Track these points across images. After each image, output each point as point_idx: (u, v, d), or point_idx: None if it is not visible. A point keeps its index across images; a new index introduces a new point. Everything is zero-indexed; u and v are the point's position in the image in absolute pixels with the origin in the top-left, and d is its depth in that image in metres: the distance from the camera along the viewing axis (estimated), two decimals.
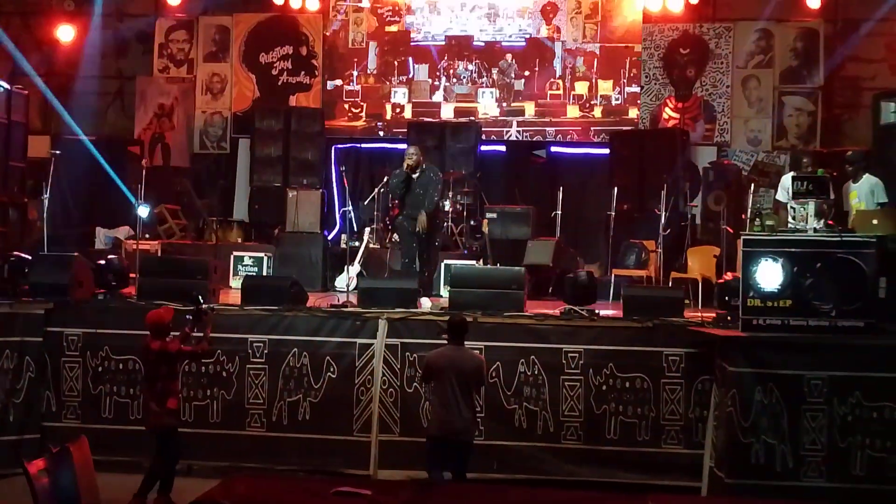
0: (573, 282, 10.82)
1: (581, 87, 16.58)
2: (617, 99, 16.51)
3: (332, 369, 10.27)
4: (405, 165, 11.89)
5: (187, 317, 8.76)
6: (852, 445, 9.02)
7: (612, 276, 12.82)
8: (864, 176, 11.03)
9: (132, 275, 11.44)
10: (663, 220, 12.75)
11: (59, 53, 17.49)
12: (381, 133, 17.06)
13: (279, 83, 17.26)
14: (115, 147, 16.73)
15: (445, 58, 16.92)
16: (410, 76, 17.02)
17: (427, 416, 9.45)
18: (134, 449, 10.32)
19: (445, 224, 14.35)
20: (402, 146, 16.06)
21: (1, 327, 10.31)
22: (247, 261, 13.62)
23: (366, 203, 14.55)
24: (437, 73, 16.95)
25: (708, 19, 16.32)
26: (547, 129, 16.61)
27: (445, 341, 8.71)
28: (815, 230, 9.27)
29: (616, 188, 13.43)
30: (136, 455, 10.29)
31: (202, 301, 8.94)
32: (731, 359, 9.22)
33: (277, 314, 10.43)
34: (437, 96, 16.93)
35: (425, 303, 11.01)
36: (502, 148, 16.71)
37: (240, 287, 11.24)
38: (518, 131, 16.69)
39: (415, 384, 10.07)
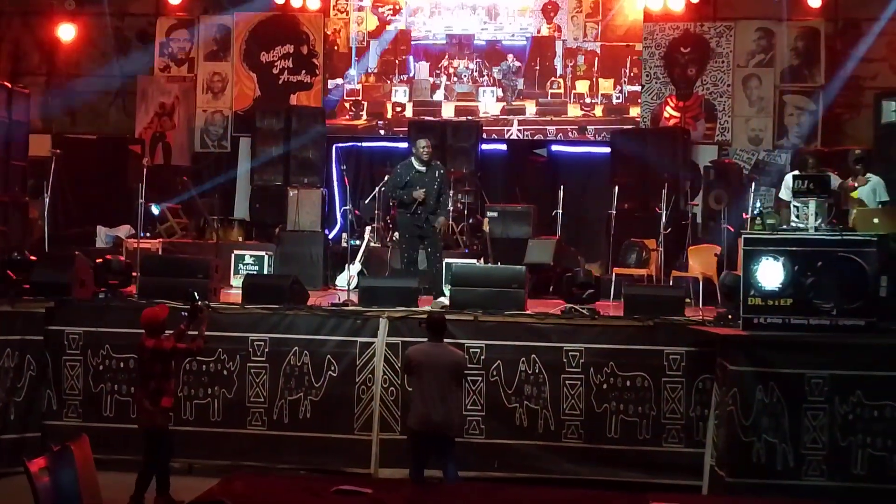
0: (573, 280, 10.82)
1: (582, 86, 16.57)
2: (618, 98, 16.51)
3: (332, 368, 10.28)
4: (415, 158, 11.68)
5: (183, 314, 8.75)
6: (853, 444, 9.02)
7: (613, 274, 12.81)
8: (867, 175, 11.03)
9: (133, 274, 11.45)
10: (664, 218, 12.74)
11: (60, 53, 17.48)
12: (382, 132, 17.06)
13: (280, 82, 17.27)
14: (117, 146, 16.72)
15: (446, 57, 16.92)
16: (411, 75, 17.02)
17: None
18: (135, 447, 10.29)
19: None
20: (403, 145, 16.11)
21: (2, 326, 10.32)
22: (248, 259, 13.62)
23: (366, 202, 14.55)
24: (438, 72, 16.94)
25: (709, 18, 16.32)
26: (548, 127, 16.61)
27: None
28: (816, 229, 9.27)
29: (617, 187, 13.42)
30: (138, 454, 10.26)
31: (197, 298, 8.92)
32: (731, 357, 9.22)
33: (278, 313, 10.44)
34: (438, 95, 16.92)
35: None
36: (503, 147, 16.71)
37: (241, 286, 11.24)
38: (519, 130, 16.68)
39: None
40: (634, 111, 16.41)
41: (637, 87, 16.42)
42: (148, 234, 14.19)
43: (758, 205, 12.21)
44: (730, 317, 9.79)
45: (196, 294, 8.96)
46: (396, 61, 17.05)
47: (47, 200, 12.20)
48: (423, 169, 11.60)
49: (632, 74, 16.43)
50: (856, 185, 11.03)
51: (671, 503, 6.67)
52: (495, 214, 14.15)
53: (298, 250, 13.62)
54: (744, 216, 12.12)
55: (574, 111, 16.53)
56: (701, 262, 12.69)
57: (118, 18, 17.58)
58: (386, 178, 14.14)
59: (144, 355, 8.54)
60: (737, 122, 16.13)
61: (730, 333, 9.37)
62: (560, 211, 13.69)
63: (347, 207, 12.63)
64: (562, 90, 16.60)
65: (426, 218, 11.56)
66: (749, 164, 15.91)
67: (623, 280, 12.38)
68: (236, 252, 13.81)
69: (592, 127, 16.49)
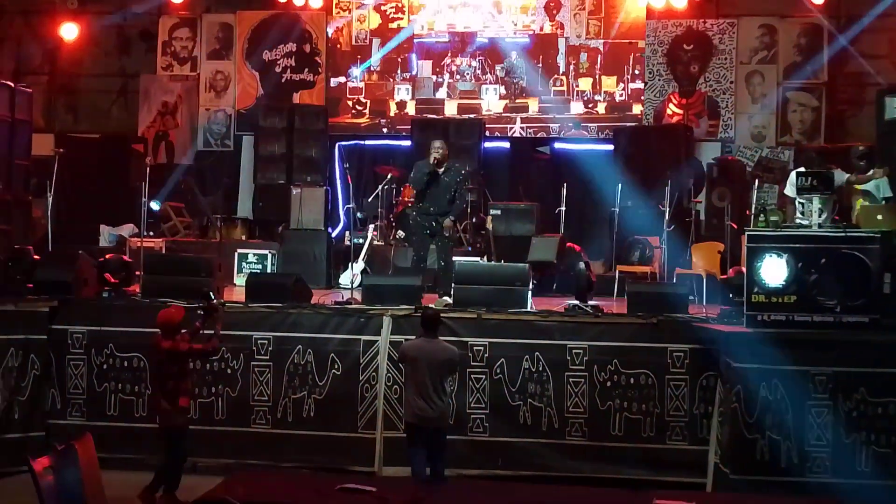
0: (577, 278, 10.82)
1: (585, 84, 16.56)
2: (621, 95, 16.50)
3: (336, 366, 10.28)
4: (432, 159, 11.44)
5: (198, 312, 8.75)
6: (857, 441, 9.02)
7: (617, 272, 12.81)
8: (870, 171, 11.02)
9: (136, 272, 11.45)
10: (667, 216, 12.74)
11: (63, 51, 17.49)
12: (385, 130, 17.05)
13: (282, 80, 17.26)
14: (119, 145, 16.73)
15: (449, 54, 16.91)
16: (414, 73, 17.01)
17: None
18: (139, 446, 10.36)
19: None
20: (406, 143, 16.12)
21: (6, 325, 10.32)
22: (251, 258, 13.62)
23: (370, 200, 14.55)
24: (441, 70, 16.93)
25: (711, 15, 16.29)
26: (551, 125, 16.60)
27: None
28: (820, 226, 9.27)
29: (620, 184, 13.41)
30: (141, 452, 10.33)
31: (212, 297, 8.93)
32: (735, 355, 9.22)
33: (282, 311, 10.44)
34: (441, 93, 16.91)
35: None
36: (506, 145, 16.69)
37: (244, 284, 11.24)
38: (522, 128, 16.67)
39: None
40: (637, 108, 16.39)
41: (640, 85, 16.40)
42: (151, 233, 14.20)
43: (761, 202, 12.21)
44: (733, 314, 9.79)
45: (211, 293, 8.97)
46: (399, 59, 17.04)
47: (50, 199, 12.20)
48: (439, 170, 11.45)
49: (635, 72, 16.41)
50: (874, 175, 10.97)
51: (675, 500, 6.66)
52: (498, 212, 14.14)
53: (301, 249, 13.62)
54: (747, 213, 12.11)
55: (577, 108, 16.50)
56: (704, 259, 12.69)
57: (120, 17, 17.60)
58: (389, 175, 14.19)
59: (160, 356, 8.54)
60: (740, 118, 16.10)
61: (733, 330, 9.37)
62: (563, 208, 13.68)
63: (350, 206, 12.62)
64: (564, 88, 16.59)
65: (436, 218, 11.47)
66: (752, 160, 15.89)
67: (626, 277, 12.39)
68: (239, 251, 13.80)
69: (595, 124, 16.47)
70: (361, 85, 17.15)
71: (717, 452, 9.52)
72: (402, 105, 16.98)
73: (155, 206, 13.43)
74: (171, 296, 10.56)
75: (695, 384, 9.85)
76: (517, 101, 16.66)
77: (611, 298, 11.84)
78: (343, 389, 10.25)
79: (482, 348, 10.08)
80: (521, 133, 16.67)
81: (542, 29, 16.68)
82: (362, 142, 17.05)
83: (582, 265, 11.13)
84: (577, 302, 10.66)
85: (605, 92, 16.48)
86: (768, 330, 9.15)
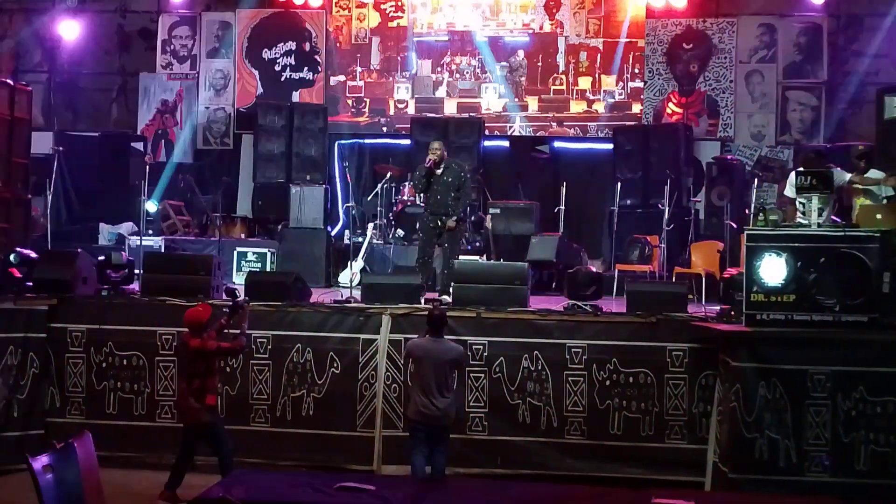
0: (576, 277, 10.82)
1: (584, 83, 16.55)
2: (620, 94, 16.50)
3: (335, 365, 10.29)
4: (427, 160, 11.52)
5: (224, 310, 8.76)
6: (856, 440, 9.03)
7: (616, 271, 12.82)
8: (871, 170, 11.01)
9: (136, 271, 11.45)
10: (667, 215, 12.74)
11: (62, 49, 17.48)
12: (385, 129, 17.05)
13: (282, 79, 17.25)
14: (119, 143, 16.72)
15: (448, 53, 16.91)
16: (413, 72, 17.00)
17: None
18: (138, 445, 10.38)
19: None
20: (406, 142, 16.11)
21: (5, 323, 10.33)
22: (250, 256, 13.64)
23: (369, 199, 14.54)
24: (440, 69, 16.93)
25: (711, 14, 16.28)
26: (551, 124, 16.58)
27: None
28: (819, 225, 9.27)
29: (619, 183, 13.43)
30: (140, 451, 10.36)
31: (238, 294, 8.95)
32: (734, 354, 9.22)
33: (281, 310, 10.45)
34: (441, 92, 16.91)
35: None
36: (505, 143, 16.69)
37: (243, 283, 11.25)
38: (521, 126, 16.67)
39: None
40: (637, 107, 16.39)
41: (639, 84, 16.40)
42: (150, 232, 14.20)
43: (760, 201, 12.21)
44: (732, 313, 9.79)
45: (237, 291, 8.99)
46: (399, 58, 17.04)
47: (50, 198, 12.21)
48: (437, 170, 11.44)
49: (634, 71, 16.40)
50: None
51: (674, 499, 6.66)
52: (498, 211, 14.14)
53: (301, 247, 13.63)
54: (746, 212, 12.11)
55: (577, 107, 16.50)
56: (703, 258, 12.70)
57: (120, 15, 17.60)
58: (388, 174, 14.20)
59: (188, 355, 8.54)
60: (739, 118, 16.10)
61: (732, 330, 9.37)
62: (563, 207, 13.68)
63: (350, 204, 12.62)
64: (564, 86, 16.58)
65: (440, 218, 11.46)
66: (752, 160, 15.89)
67: (626, 276, 12.39)
68: (239, 249, 13.83)
69: (595, 123, 16.47)
70: (361, 83, 17.14)
71: (716, 451, 9.53)
72: (401, 104, 16.98)
73: (151, 207, 13.46)
74: (171, 294, 10.58)
75: (694, 383, 9.86)
76: (517, 100, 16.66)
77: (610, 297, 11.84)
78: (342, 388, 10.27)
79: (481, 347, 10.09)
80: (520, 132, 16.66)
81: (541, 28, 16.68)
82: (362, 140, 17.05)
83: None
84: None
85: (604, 91, 16.48)
86: (767, 329, 9.15)
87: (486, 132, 16.21)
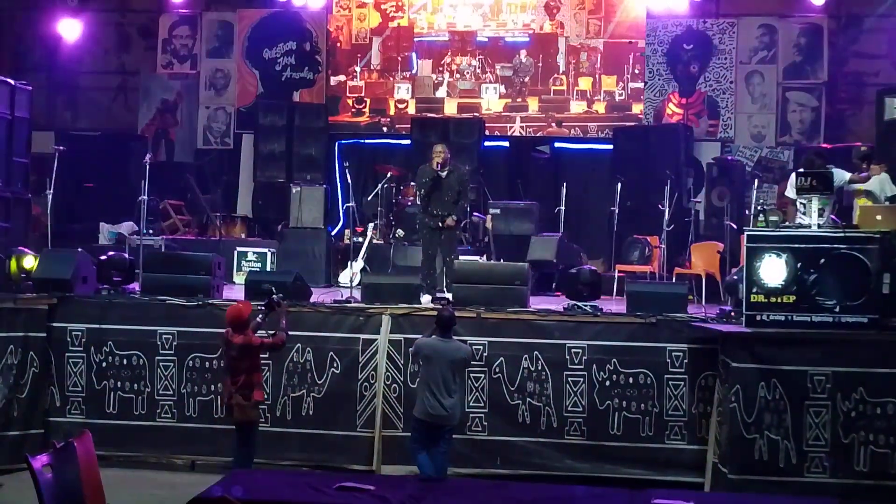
0: (576, 277, 10.82)
1: (585, 83, 16.56)
2: (620, 94, 16.50)
3: (335, 365, 10.30)
4: (434, 163, 11.43)
5: (261, 307, 8.78)
6: (856, 441, 9.04)
7: (616, 271, 12.82)
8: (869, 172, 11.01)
9: (136, 270, 11.45)
10: (667, 215, 12.74)
11: (63, 49, 17.48)
12: (385, 129, 17.05)
13: (282, 79, 17.26)
14: (119, 142, 16.72)
15: (449, 53, 16.91)
16: (414, 72, 17.01)
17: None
18: (138, 444, 10.38)
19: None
20: (406, 142, 16.10)
21: (5, 323, 10.33)
22: (250, 256, 13.64)
23: (369, 199, 14.54)
24: (441, 69, 16.94)
25: (711, 15, 16.29)
26: (551, 124, 16.59)
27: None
28: (819, 226, 9.27)
29: (620, 184, 13.41)
30: (140, 450, 10.35)
31: (274, 293, 8.97)
32: (734, 354, 9.23)
33: None
34: (441, 92, 16.92)
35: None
36: (506, 144, 16.69)
37: (243, 283, 11.24)
38: (521, 127, 16.67)
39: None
40: (637, 108, 16.39)
41: (640, 84, 16.40)
42: (151, 231, 14.19)
43: (760, 201, 12.20)
44: (732, 314, 9.79)
45: (273, 289, 9.00)
46: (399, 58, 17.05)
47: (50, 197, 12.18)
48: (441, 173, 11.43)
49: (634, 71, 16.41)
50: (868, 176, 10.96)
51: (674, 500, 6.67)
52: (498, 211, 14.13)
53: (301, 247, 13.63)
54: (746, 213, 12.10)
55: (577, 108, 16.51)
56: (703, 258, 12.70)
57: (120, 14, 17.61)
58: (388, 174, 14.19)
59: (232, 352, 8.54)
60: (739, 118, 16.11)
61: (732, 330, 9.37)
62: (563, 208, 13.68)
63: (350, 204, 12.62)
64: (564, 87, 16.59)
65: (442, 219, 11.43)
66: (752, 160, 15.90)
67: (626, 277, 12.39)
68: (239, 249, 13.83)
69: (595, 124, 16.47)
70: (361, 83, 17.15)
71: (716, 452, 9.53)
72: (401, 104, 16.98)
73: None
74: (171, 294, 10.59)
75: (693, 384, 9.86)
76: (517, 100, 16.67)
77: (610, 298, 11.85)
78: (342, 388, 10.27)
79: (481, 347, 10.09)
80: (520, 132, 16.67)
81: (542, 28, 16.69)
82: (362, 140, 17.06)
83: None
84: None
85: (604, 91, 16.48)
86: (767, 330, 9.15)
87: (487, 132, 16.21)
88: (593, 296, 10.80)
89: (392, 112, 17.03)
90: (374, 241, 13.89)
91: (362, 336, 10.29)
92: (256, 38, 17.28)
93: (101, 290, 11.01)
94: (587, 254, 14.07)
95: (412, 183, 13.47)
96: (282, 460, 10.09)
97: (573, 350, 10.05)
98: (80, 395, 10.56)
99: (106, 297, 10.89)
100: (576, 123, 16.55)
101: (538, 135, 16.66)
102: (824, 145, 14.82)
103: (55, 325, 10.55)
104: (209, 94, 17.39)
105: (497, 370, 10.08)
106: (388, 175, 14.20)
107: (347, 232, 13.86)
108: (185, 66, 17.49)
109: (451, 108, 16.80)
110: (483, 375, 10.07)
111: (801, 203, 9.58)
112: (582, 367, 10.02)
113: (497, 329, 10.18)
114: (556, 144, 16.53)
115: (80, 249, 11.37)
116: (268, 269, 13.33)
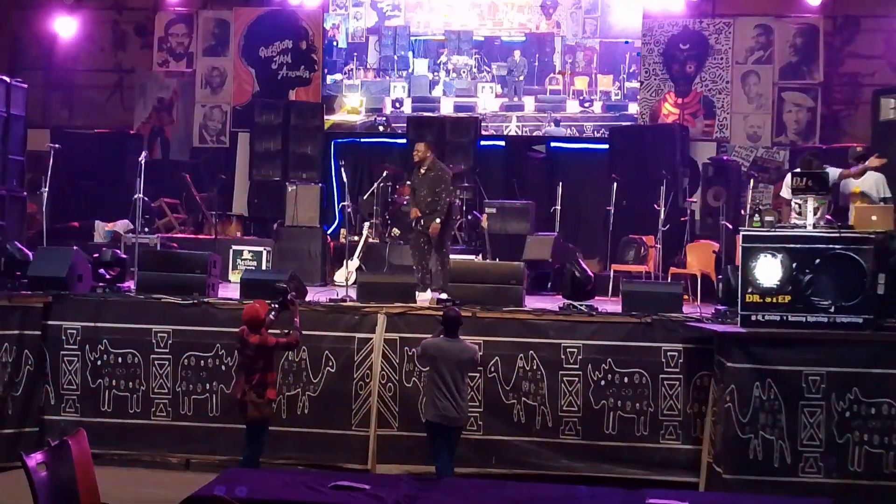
0: (571, 276, 10.82)
1: (581, 83, 16.56)
2: (616, 94, 16.50)
3: (330, 364, 10.29)
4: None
5: (273, 306, 8.78)
6: (850, 441, 9.05)
7: (611, 271, 12.83)
8: (868, 171, 11.01)
9: (131, 268, 11.44)
10: (662, 215, 12.74)
11: (59, 46, 17.45)
12: (381, 128, 17.04)
13: (278, 77, 17.24)
14: (115, 140, 16.69)
15: (445, 52, 16.91)
16: (409, 71, 17.00)
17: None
18: (132, 442, 10.36)
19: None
20: (402, 141, 16.09)
21: (0, 320, 10.31)
22: (246, 255, 13.63)
23: (365, 198, 14.53)
24: (437, 68, 16.93)
25: (708, 15, 16.29)
26: (549, 124, 16.59)
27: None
28: (815, 226, 9.28)
29: (615, 183, 13.42)
30: (135, 449, 10.34)
31: (288, 292, 8.97)
32: (729, 354, 9.23)
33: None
34: (437, 91, 16.91)
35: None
36: (501, 143, 16.69)
37: (239, 281, 11.24)
38: (517, 126, 16.67)
39: (413, 379, 10.11)
40: (633, 108, 16.40)
41: (636, 84, 16.41)
42: (146, 229, 14.17)
43: (756, 201, 12.21)
44: (727, 314, 9.80)
45: (287, 288, 9.01)
46: (395, 57, 17.04)
47: (45, 195, 12.17)
48: (420, 171, 11.37)
49: (630, 71, 16.42)
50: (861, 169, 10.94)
51: (668, 500, 6.66)
52: (494, 210, 14.13)
53: (297, 246, 13.62)
54: (741, 213, 12.11)
55: (573, 107, 16.51)
56: (699, 258, 12.71)
57: (117, 12, 17.59)
58: (384, 173, 14.18)
59: (247, 351, 8.57)
60: (735, 118, 16.12)
61: (727, 330, 9.38)
62: (558, 207, 13.69)
63: (346, 203, 12.61)
64: (560, 86, 16.59)
65: (422, 217, 11.37)
66: (747, 160, 15.91)
67: (621, 276, 12.40)
68: (234, 247, 13.82)
69: (591, 123, 16.47)
70: (358, 82, 17.15)
71: (711, 452, 9.55)
72: (398, 103, 16.97)
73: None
74: (166, 292, 10.58)
75: (688, 384, 9.88)
76: (513, 99, 16.67)
77: (605, 297, 11.85)
78: (337, 387, 10.27)
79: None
80: (516, 131, 16.67)
81: (538, 28, 16.68)
82: (358, 139, 17.05)
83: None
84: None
85: (600, 91, 16.49)
86: (762, 330, 9.16)
87: (483, 131, 16.21)
88: (589, 295, 10.79)
89: (388, 111, 17.02)
90: (370, 239, 13.89)
91: (358, 335, 10.29)
92: (252, 36, 17.26)
93: (97, 289, 10.99)
94: (583, 253, 14.06)
95: (408, 182, 13.45)
96: (276, 459, 10.06)
97: (568, 349, 10.06)
98: (75, 393, 10.55)
99: (101, 295, 10.88)
100: (572, 123, 16.55)
101: (534, 134, 16.66)
102: (820, 146, 14.85)
103: (50, 323, 10.54)
104: (205, 92, 17.37)
105: (492, 369, 10.09)
106: (384, 174, 14.20)
107: (343, 231, 13.86)
108: (181, 64, 17.47)
109: (447, 107, 16.79)
110: (478, 375, 10.05)
111: (796, 203, 9.58)
112: (577, 366, 10.03)
113: (492, 328, 10.18)
114: (553, 144, 16.53)
115: (75, 247, 11.35)
116: (263, 267, 13.33)
